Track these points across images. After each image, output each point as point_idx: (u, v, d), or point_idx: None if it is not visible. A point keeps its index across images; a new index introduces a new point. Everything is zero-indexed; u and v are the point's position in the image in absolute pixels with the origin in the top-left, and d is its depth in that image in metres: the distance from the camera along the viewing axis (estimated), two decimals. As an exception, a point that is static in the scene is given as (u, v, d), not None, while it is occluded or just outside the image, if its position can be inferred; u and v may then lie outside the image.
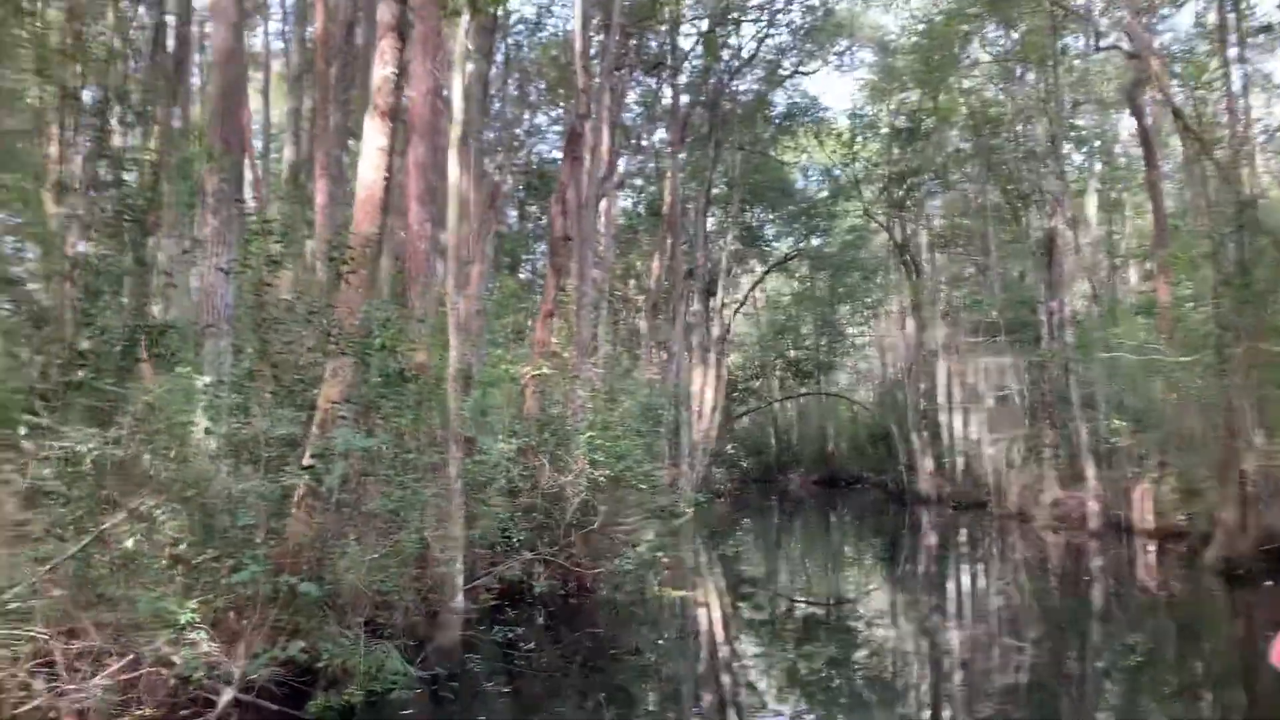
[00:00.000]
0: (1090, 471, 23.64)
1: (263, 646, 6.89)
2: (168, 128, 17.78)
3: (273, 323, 9.23)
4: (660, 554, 13.31)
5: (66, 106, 18.80)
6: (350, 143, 19.01)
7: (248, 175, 28.00)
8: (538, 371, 12.94)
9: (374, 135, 9.05)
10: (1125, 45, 23.19)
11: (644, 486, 13.79)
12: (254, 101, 29.02)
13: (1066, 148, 30.36)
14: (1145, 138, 22.68)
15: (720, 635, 13.12)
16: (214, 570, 7.01)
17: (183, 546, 6.89)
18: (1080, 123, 32.48)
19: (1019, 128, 31.17)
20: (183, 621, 6.21)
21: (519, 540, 11.92)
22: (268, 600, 7.12)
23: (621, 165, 34.25)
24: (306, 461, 8.01)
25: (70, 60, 19.16)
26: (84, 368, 7.83)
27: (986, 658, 12.03)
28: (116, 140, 15.79)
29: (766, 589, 18.49)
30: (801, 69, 38.67)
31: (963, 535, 27.91)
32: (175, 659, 6.51)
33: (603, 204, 30.41)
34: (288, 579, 6.83)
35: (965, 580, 19.69)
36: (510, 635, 10.01)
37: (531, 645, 11.47)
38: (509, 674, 9.74)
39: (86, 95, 18.00)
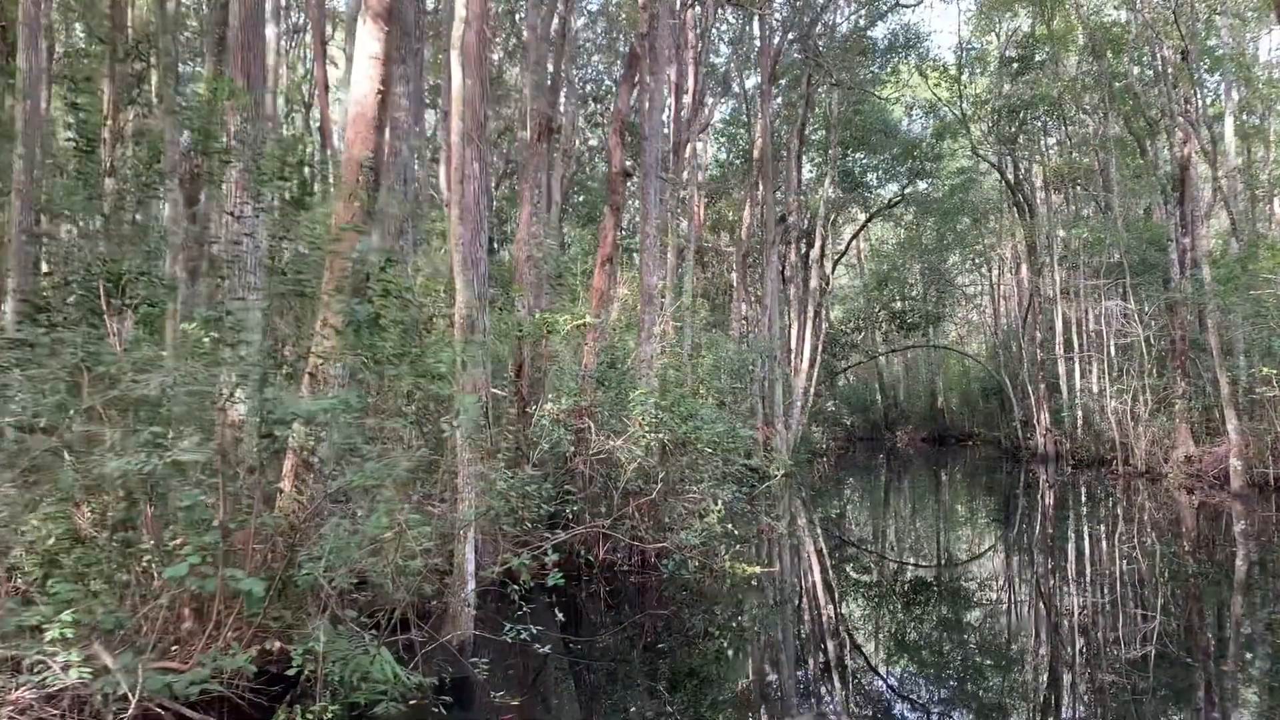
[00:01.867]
0: (1232, 425, 21.16)
1: (214, 653, 5.69)
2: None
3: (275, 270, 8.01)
4: (730, 525, 11.83)
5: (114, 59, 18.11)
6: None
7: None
8: (580, 321, 11.51)
9: (367, 40, 7.71)
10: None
11: (709, 449, 12.31)
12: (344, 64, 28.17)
13: (1201, 68, 27.37)
14: (1296, 46, 19.89)
15: (807, 614, 11.67)
16: (161, 559, 5.83)
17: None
18: (1213, 42, 29.28)
19: (1145, 49, 28.19)
20: (50, 637, 5.05)
21: (571, 512, 10.66)
22: (231, 596, 5.93)
23: (708, 108, 32.29)
24: (299, 429, 6.81)
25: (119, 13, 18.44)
26: (39, 323, 6.74)
27: (1111, 627, 10.84)
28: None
29: (868, 555, 17.02)
30: (903, 1, 36.26)
31: (1083, 495, 25.73)
32: (108, 664, 5.36)
33: (688, 149, 28.75)
34: (233, 573, 5.60)
35: (1087, 544, 17.86)
36: (531, 631, 8.50)
37: (582, 631, 10.25)
38: (540, 671, 8.44)
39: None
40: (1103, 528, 20.08)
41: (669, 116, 27.82)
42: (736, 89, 38.90)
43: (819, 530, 20.41)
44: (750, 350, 29.19)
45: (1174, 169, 27.37)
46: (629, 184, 18.74)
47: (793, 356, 34.26)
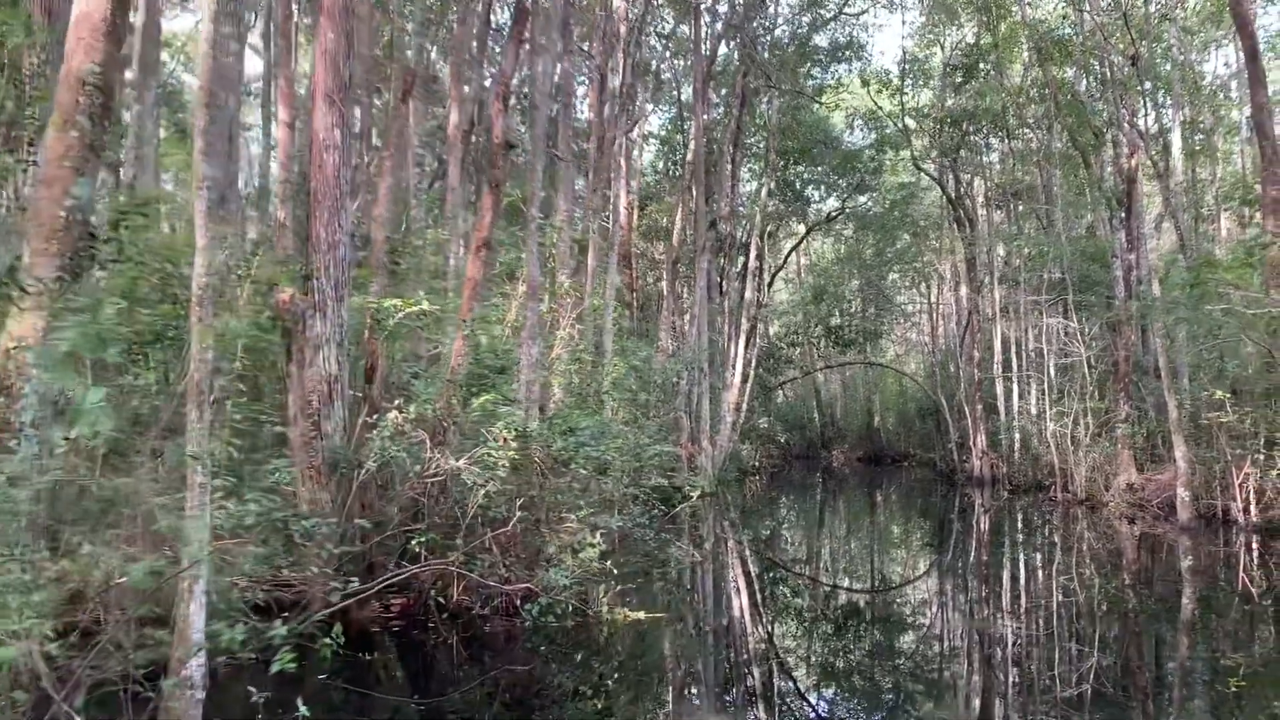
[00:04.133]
0: (1180, 452, 19.84)
1: None
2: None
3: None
4: (609, 563, 9.95)
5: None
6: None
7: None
8: (414, 308, 9.67)
9: (104, -80, 5.85)
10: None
11: (587, 470, 10.49)
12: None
13: (1147, 84, 26.30)
14: (1253, 53, 18.76)
15: (706, 661, 9.92)
16: None
17: None
18: (1159, 59, 28.35)
19: (1093, 55, 27.11)
20: None
21: (419, 546, 8.84)
22: None
23: (638, 103, 30.54)
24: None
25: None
26: None
27: (1045, 663, 10.13)
28: None
29: (791, 583, 15.55)
30: (846, 9, 35.07)
31: (1020, 521, 24.45)
32: None
33: (616, 145, 27.05)
34: None
35: (1023, 574, 16.53)
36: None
37: (431, 688, 8.43)
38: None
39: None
40: (1039, 556, 18.87)
41: (589, 106, 26.22)
42: (674, 94, 37.52)
43: (747, 551, 18.95)
44: (676, 361, 27.57)
45: (1119, 182, 26.30)
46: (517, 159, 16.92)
47: (725, 371, 32.71)
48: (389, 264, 11.23)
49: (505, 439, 9.00)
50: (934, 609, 13.86)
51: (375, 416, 9.09)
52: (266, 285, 8.53)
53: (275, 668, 5.63)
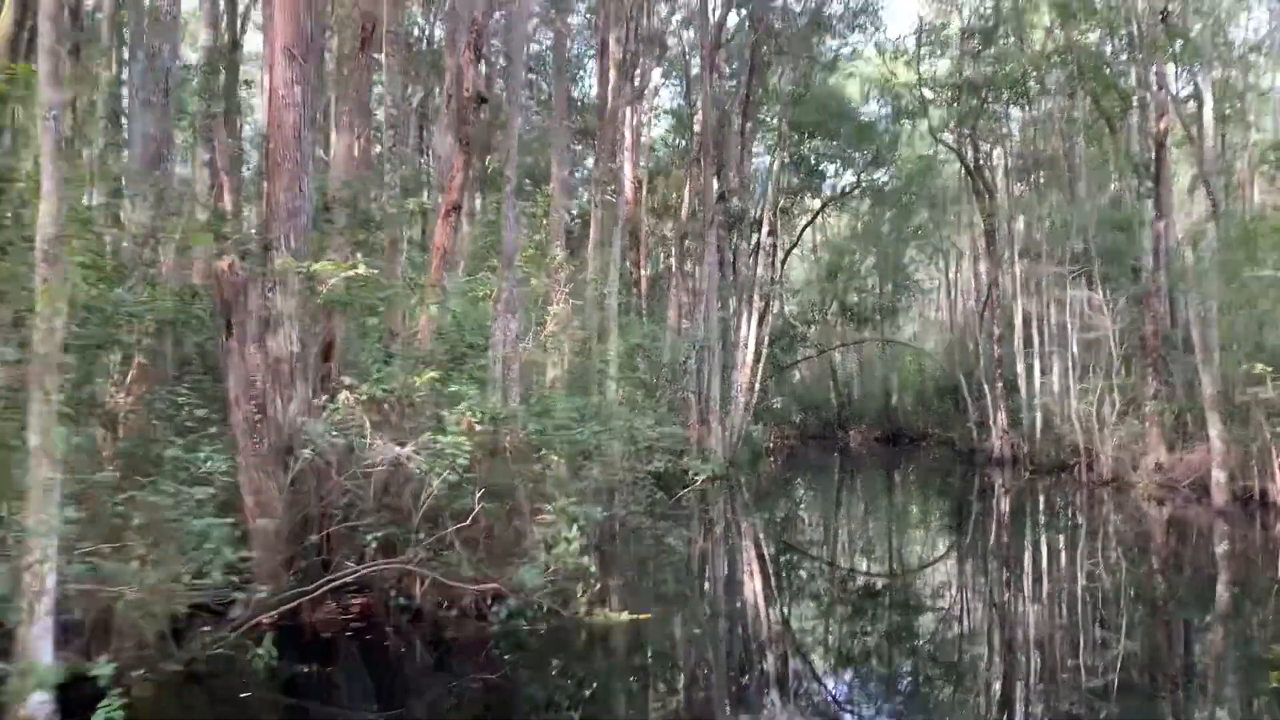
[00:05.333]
0: (1215, 430, 18.72)
1: None
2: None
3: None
4: (585, 558, 8.99)
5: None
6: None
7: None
8: (347, 271, 8.74)
9: None
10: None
11: (559, 457, 9.56)
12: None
13: (1178, 43, 25.03)
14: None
15: (697, 670, 9.05)
16: None
17: None
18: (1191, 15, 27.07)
19: (1120, 10, 25.84)
20: None
21: (375, 543, 8.00)
22: None
23: (641, 71, 29.28)
24: None
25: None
26: None
27: (1070, 652, 9.51)
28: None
29: (800, 573, 14.78)
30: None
31: (1042, 504, 23.55)
32: None
33: (620, 115, 26.00)
34: None
35: (1046, 561, 15.73)
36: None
37: (394, 699, 7.61)
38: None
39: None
40: (1063, 539, 18.11)
41: (596, 78, 25.24)
42: (683, 66, 36.42)
43: (759, 535, 18.29)
44: (685, 340, 26.66)
45: (1146, 149, 25.14)
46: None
47: (736, 350, 31.76)
48: (322, 223, 10.28)
49: (469, 423, 8.14)
50: (957, 598, 13.13)
51: (327, 398, 8.25)
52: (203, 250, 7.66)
53: (105, 714, 4.76)
